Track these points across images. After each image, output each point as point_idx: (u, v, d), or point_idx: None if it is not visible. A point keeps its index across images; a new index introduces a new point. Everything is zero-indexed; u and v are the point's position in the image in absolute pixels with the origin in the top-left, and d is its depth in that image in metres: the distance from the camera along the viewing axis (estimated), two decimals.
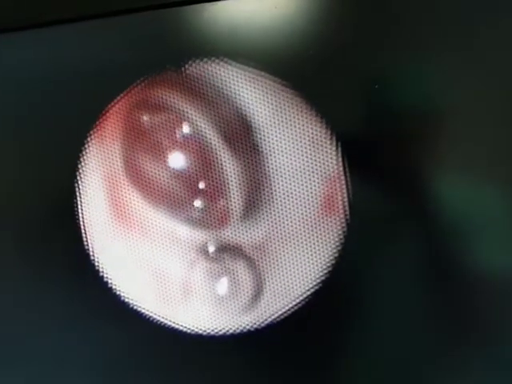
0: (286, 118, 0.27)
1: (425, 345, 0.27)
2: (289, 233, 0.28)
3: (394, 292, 0.27)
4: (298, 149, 0.27)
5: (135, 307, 0.29)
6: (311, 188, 0.27)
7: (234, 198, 0.27)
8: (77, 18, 0.29)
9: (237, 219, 0.28)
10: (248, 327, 0.28)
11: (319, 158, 0.27)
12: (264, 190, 0.27)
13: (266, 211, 0.28)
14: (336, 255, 0.27)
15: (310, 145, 0.27)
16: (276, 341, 0.29)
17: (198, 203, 0.28)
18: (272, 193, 0.27)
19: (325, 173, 0.27)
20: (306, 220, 0.27)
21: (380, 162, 0.27)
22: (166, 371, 0.30)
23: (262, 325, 0.28)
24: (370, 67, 0.27)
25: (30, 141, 0.30)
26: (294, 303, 0.28)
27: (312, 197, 0.27)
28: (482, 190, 0.26)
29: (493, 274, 0.27)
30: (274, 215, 0.28)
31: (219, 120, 0.27)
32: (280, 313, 0.28)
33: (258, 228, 0.28)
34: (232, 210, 0.28)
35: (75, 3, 0.29)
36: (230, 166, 0.27)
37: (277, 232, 0.28)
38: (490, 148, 0.26)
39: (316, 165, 0.27)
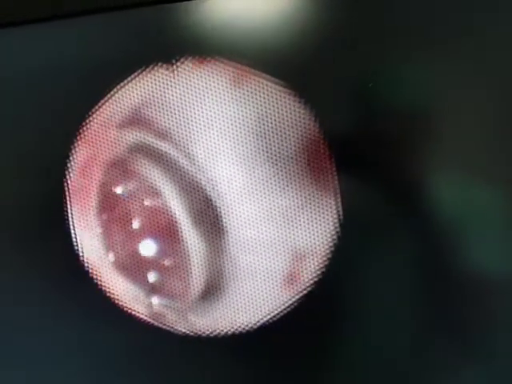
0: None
1: (423, 345, 0.27)
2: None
3: (391, 292, 0.27)
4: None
5: (125, 308, 0.29)
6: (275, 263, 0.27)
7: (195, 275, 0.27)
8: (65, 15, 0.28)
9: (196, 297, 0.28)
10: (240, 329, 0.28)
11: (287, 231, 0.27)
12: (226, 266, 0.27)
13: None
14: (330, 255, 0.27)
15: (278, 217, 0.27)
16: (268, 343, 0.29)
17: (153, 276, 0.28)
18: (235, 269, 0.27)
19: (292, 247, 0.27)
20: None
21: (374, 162, 0.27)
22: (157, 372, 0.30)
23: (254, 327, 0.28)
24: (364, 67, 0.27)
25: (18, 141, 0.30)
26: (283, 306, 0.28)
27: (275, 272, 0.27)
28: (477, 190, 0.26)
29: (489, 274, 0.27)
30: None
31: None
32: (270, 316, 0.28)
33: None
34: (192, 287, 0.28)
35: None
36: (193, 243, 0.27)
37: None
38: (486, 148, 0.26)
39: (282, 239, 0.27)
